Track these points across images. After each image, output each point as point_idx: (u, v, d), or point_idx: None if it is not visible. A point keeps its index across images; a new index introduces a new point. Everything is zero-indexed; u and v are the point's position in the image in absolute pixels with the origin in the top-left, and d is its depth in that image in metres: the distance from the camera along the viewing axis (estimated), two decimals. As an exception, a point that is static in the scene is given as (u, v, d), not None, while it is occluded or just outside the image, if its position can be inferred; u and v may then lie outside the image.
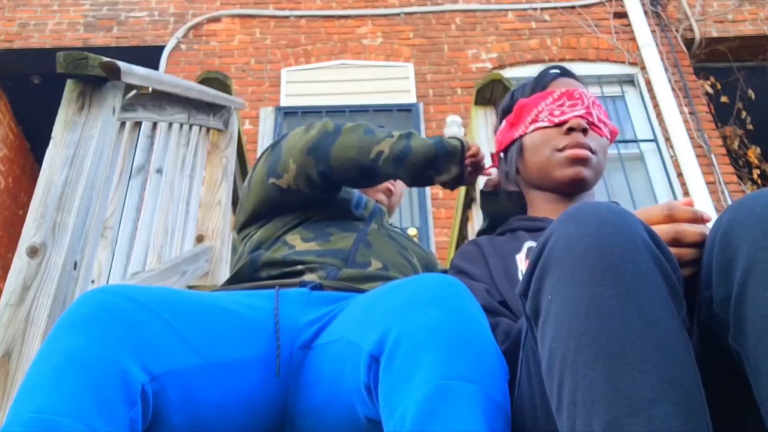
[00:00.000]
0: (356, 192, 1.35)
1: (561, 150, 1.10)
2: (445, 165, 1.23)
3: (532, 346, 0.72)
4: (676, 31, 4.66)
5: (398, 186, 1.54)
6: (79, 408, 0.67)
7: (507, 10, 4.80)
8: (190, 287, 1.79)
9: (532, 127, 1.14)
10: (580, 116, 1.11)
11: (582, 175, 1.09)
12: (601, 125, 1.14)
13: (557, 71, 1.20)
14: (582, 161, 1.09)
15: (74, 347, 0.72)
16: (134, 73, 1.40)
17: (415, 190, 4.09)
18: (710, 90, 4.56)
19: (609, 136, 1.17)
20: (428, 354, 0.70)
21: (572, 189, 1.12)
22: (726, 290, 0.63)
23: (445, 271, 1.31)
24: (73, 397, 0.67)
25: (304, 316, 0.97)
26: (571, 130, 1.10)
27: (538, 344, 0.67)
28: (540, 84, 1.18)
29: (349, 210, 1.28)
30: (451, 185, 1.26)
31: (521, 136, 1.16)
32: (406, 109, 4.31)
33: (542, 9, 4.78)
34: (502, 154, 1.25)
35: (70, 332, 0.74)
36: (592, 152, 1.10)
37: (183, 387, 0.78)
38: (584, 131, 1.10)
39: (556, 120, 1.11)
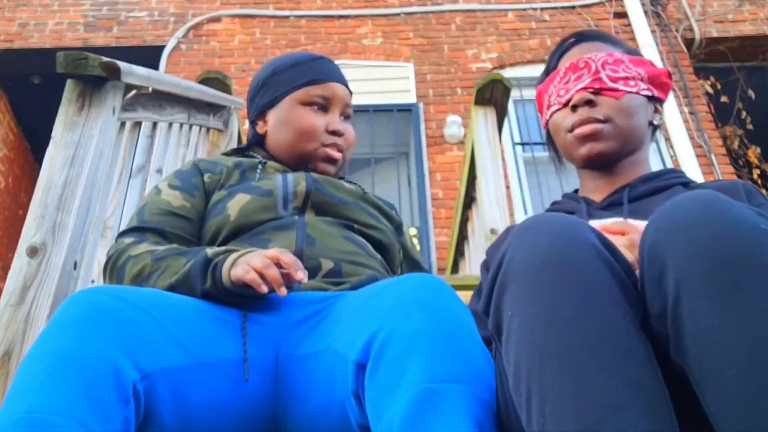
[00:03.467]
0: (281, 191, 1.13)
1: (571, 130, 1.06)
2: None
3: (500, 362, 0.71)
4: (676, 31, 4.66)
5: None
6: (73, 406, 0.66)
7: (507, 10, 4.80)
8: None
9: (548, 113, 1.11)
10: (584, 87, 1.05)
11: (596, 151, 1.04)
12: (619, 83, 1.05)
13: (570, 41, 1.14)
14: (590, 137, 1.04)
15: (65, 346, 0.71)
16: (134, 73, 1.40)
17: (414, 190, 4.09)
18: (710, 90, 4.56)
19: (636, 89, 1.06)
20: (413, 358, 0.69)
21: (594, 166, 1.08)
22: (661, 304, 0.61)
23: (399, 223, 1.25)
24: (66, 396, 0.66)
25: (286, 318, 0.94)
26: (576, 107, 1.06)
27: (504, 361, 0.66)
28: (551, 64, 1.14)
29: (278, 216, 1.11)
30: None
31: (546, 123, 1.14)
32: (406, 109, 4.32)
33: (542, 9, 4.78)
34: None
35: (61, 332, 0.73)
36: (603, 121, 1.04)
37: (173, 385, 0.78)
38: (590, 102, 1.05)
39: (563, 100, 1.08)
